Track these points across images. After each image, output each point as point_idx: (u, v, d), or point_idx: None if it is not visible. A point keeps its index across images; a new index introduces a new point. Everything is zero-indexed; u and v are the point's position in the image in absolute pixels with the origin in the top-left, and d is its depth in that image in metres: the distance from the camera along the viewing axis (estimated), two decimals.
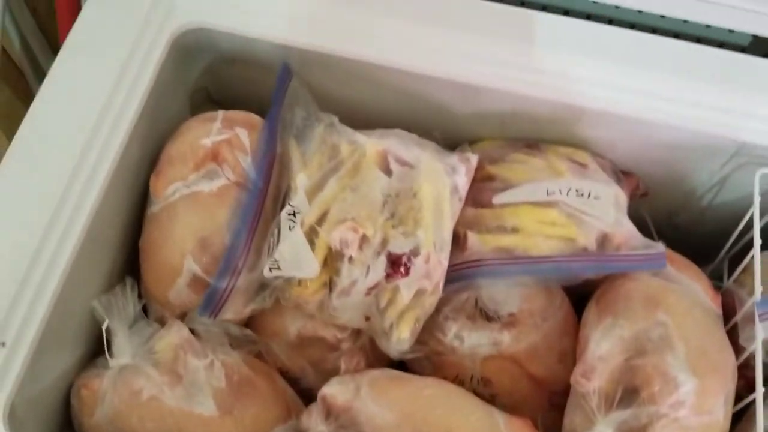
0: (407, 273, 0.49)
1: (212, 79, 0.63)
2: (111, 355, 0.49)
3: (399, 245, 0.49)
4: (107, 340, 0.49)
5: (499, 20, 0.58)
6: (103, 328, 0.48)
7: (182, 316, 0.53)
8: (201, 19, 0.56)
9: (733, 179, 0.59)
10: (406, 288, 0.49)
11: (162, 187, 0.52)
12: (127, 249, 0.56)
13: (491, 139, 0.61)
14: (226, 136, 0.53)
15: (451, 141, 0.61)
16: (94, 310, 0.50)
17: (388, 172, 0.52)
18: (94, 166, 0.49)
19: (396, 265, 0.49)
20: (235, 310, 0.52)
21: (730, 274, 0.61)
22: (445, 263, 0.50)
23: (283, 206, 0.53)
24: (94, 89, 0.51)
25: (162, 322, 0.53)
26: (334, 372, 0.54)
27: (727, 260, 0.63)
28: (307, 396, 0.56)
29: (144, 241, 0.53)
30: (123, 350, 0.49)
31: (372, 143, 0.52)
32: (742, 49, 0.62)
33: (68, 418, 0.51)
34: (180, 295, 0.52)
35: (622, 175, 0.60)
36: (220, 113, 0.55)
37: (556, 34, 0.57)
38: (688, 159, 0.58)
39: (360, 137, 0.53)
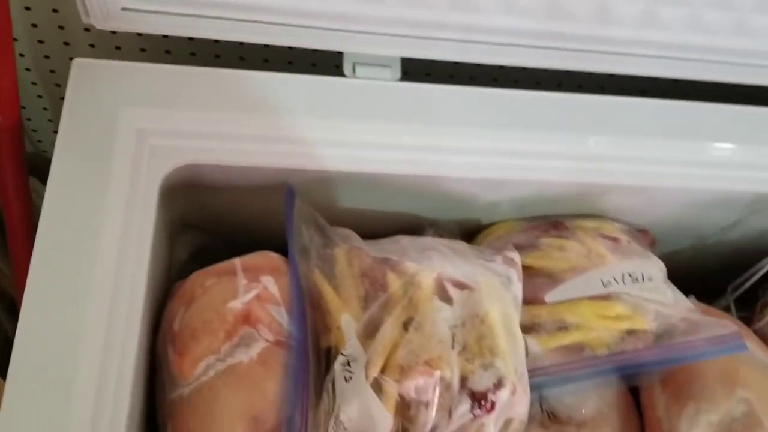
0: (493, 408, 0.45)
1: (187, 206, 0.54)
2: None
3: (480, 380, 0.45)
4: None
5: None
6: None
7: None
8: (191, 157, 0.48)
9: (746, 222, 0.60)
10: (492, 424, 0.45)
11: (190, 366, 0.44)
12: None
13: (507, 221, 0.58)
14: (256, 292, 0.46)
15: (462, 228, 0.58)
16: None
17: (448, 299, 0.47)
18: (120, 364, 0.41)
19: (480, 402, 0.45)
20: None
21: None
22: (528, 391, 0.46)
23: (321, 352, 0.47)
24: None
25: None
26: None
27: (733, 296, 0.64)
28: None
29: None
30: None
31: (425, 272, 0.47)
32: None
33: None
34: None
35: (637, 233, 0.59)
36: (238, 263, 0.47)
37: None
38: (702, 213, 0.59)
39: (409, 265, 0.47)
